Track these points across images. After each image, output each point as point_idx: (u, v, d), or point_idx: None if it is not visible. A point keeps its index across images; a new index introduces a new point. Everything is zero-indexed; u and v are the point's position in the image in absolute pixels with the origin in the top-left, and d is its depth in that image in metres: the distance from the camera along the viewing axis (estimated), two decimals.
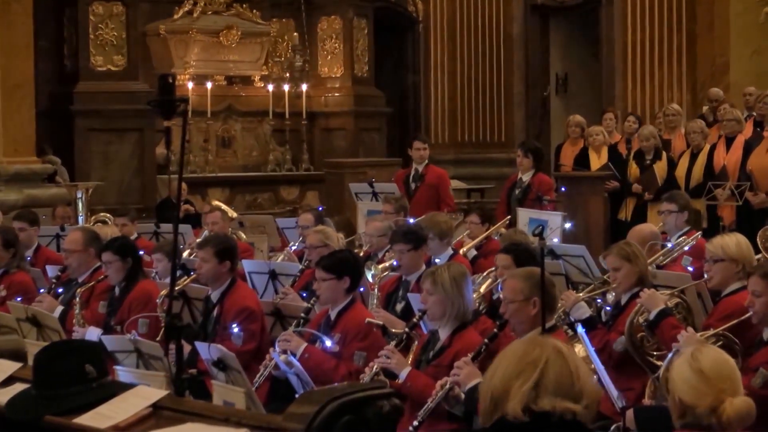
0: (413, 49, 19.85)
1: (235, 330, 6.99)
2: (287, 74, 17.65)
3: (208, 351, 6.07)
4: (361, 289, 7.34)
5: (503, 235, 8.85)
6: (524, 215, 10.59)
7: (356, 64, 18.17)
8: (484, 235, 10.12)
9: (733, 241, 6.82)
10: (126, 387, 4.21)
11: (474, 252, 9.96)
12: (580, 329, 5.87)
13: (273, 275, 9.01)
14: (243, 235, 11.32)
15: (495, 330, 5.96)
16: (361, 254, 9.53)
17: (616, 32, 18.07)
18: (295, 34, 17.82)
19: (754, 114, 13.39)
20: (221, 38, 17.25)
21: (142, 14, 16.82)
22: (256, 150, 17.63)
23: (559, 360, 3.58)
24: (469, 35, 19.56)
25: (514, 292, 5.93)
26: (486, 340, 5.90)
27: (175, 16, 17.20)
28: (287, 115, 17.34)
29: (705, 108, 15.08)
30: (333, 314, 6.87)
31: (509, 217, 10.84)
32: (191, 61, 17.07)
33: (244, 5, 17.56)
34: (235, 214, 11.98)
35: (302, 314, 6.94)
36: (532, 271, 5.98)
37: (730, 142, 12.40)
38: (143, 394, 4.14)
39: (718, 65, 17.30)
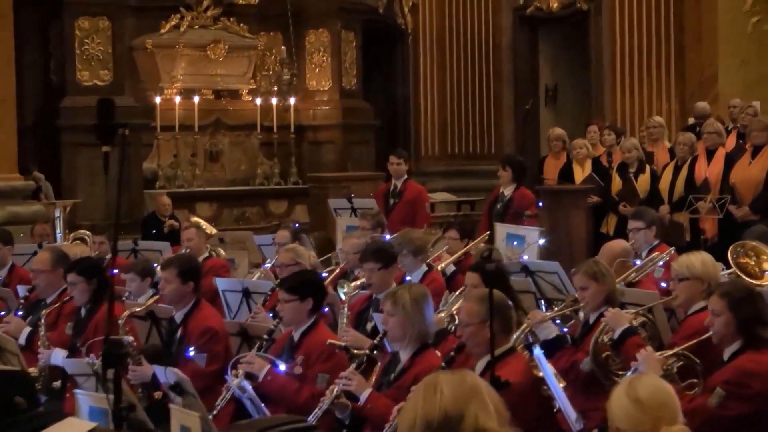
0: (402, 62, 19.82)
1: (192, 353, 6.92)
2: (275, 88, 17.60)
3: (164, 374, 6.01)
4: (325, 309, 7.28)
5: (475, 253, 8.77)
6: (502, 230, 10.54)
7: (344, 77, 18.13)
8: (463, 250, 10.05)
9: (698, 260, 6.77)
10: (57, 418, 4.14)
11: (453, 267, 9.90)
12: (536, 351, 5.80)
13: (246, 294, 8.95)
14: (222, 252, 11.25)
15: (452, 353, 5.89)
16: (337, 271, 9.50)
17: (604, 43, 18.06)
18: (283, 47, 17.76)
19: (738, 126, 13.32)
20: (208, 52, 17.20)
21: (128, 29, 16.77)
22: (244, 164, 17.57)
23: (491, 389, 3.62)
24: (458, 47, 19.55)
25: (470, 314, 5.87)
26: (443, 363, 5.84)
27: (162, 31, 17.16)
28: (275, 129, 17.27)
29: (691, 120, 15.01)
30: (296, 336, 6.80)
31: (488, 232, 10.78)
32: (178, 75, 17.02)
33: (232, 19, 17.52)
34: (214, 231, 11.92)
35: (265, 336, 6.87)
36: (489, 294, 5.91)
37: (711, 154, 12.33)
38: (74, 426, 4.07)
39: (706, 76, 17.26)
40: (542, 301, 8.65)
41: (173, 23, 17.21)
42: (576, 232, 12.11)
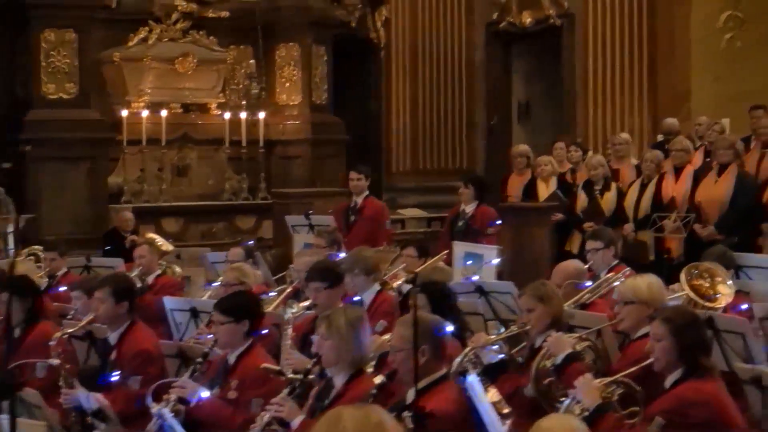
0: (374, 76, 19.67)
1: (114, 378, 6.71)
2: (244, 102, 17.42)
3: (87, 400, 5.81)
4: (264, 331, 7.08)
5: (420, 274, 8.56)
6: (460, 249, 10.36)
7: (314, 91, 17.95)
8: (421, 268, 9.87)
9: (644, 283, 6.60)
10: None
11: (409, 287, 9.70)
12: (470, 379, 5.60)
13: (194, 313, 8.75)
14: (178, 269, 11.08)
15: (383, 379, 5.69)
16: (289, 290, 9.30)
17: (577, 59, 17.91)
18: (252, 61, 17.59)
19: (705, 143, 13.17)
20: (177, 65, 17.04)
21: (96, 41, 16.60)
22: (212, 178, 17.38)
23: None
24: (430, 62, 19.41)
25: (402, 340, 5.67)
26: (374, 391, 5.64)
27: (130, 44, 17.01)
28: (244, 143, 17.10)
29: (660, 137, 14.85)
30: (231, 359, 6.61)
31: (447, 251, 10.60)
32: (146, 88, 16.86)
33: (201, 32, 17.35)
34: (170, 247, 11.73)
35: (198, 360, 6.66)
36: (422, 318, 5.72)
37: (679, 172, 12.18)
38: None
39: (679, 92, 17.11)
40: (498, 322, 8.51)
41: (141, 36, 17.08)
42: (539, 250, 11.97)
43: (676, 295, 7.64)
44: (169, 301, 8.92)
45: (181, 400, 6.35)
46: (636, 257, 12.05)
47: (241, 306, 6.68)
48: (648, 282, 6.60)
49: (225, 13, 17.48)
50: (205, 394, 6.23)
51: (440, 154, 19.44)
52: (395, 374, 5.68)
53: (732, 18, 16.96)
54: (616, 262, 9.09)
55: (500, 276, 10.96)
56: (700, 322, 5.72)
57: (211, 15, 17.44)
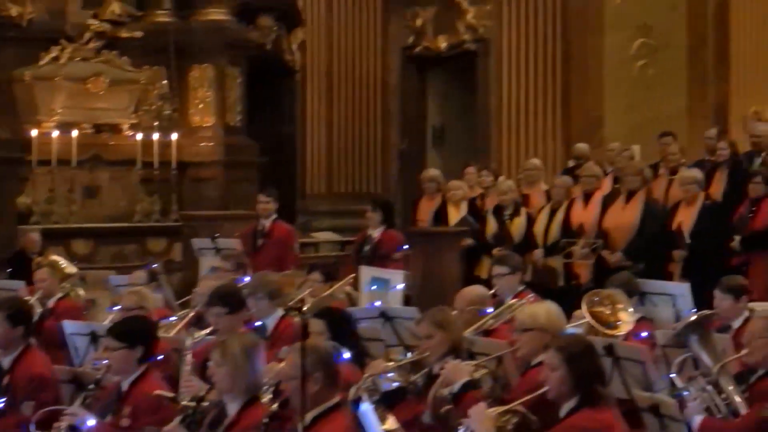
0: (289, 99, 19.55)
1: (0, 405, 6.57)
2: (156, 123, 17.23)
3: None
4: (160, 357, 6.96)
5: (313, 303, 8.47)
6: (367, 273, 10.30)
7: (228, 113, 17.78)
8: (327, 293, 9.81)
9: (543, 310, 6.58)
10: None
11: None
12: (363, 407, 5.53)
13: (94, 337, 8.58)
14: (82, 292, 10.87)
15: (275, 408, 5.59)
16: (191, 314, 9.18)
17: (491, 84, 18.01)
18: (164, 81, 17.41)
19: (614, 169, 13.24)
20: (89, 85, 16.78)
21: (6, 60, 16.33)
22: (123, 200, 17.12)
23: None
24: (346, 85, 19.40)
25: (295, 367, 5.58)
26: (266, 420, 5.55)
27: (41, 62, 16.71)
28: (156, 165, 16.89)
29: (570, 162, 14.92)
30: (124, 386, 6.48)
31: (353, 275, 10.54)
32: (57, 108, 16.58)
33: (114, 52, 17.12)
34: (74, 270, 11.50)
35: (90, 387, 6.52)
36: (314, 345, 5.65)
37: (588, 198, 12.22)
38: None
39: (592, 119, 17.25)
40: (403, 349, 8.45)
41: (53, 55, 16.77)
42: (449, 275, 11.93)
43: (579, 322, 7.64)
44: (68, 326, 8.74)
45: (72, 428, 6.22)
46: (545, 283, 12.09)
47: (135, 331, 6.57)
48: (546, 309, 6.58)
49: (138, 34, 17.26)
50: (91, 422, 6.10)
51: (355, 178, 19.42)
52: (288, 403, 5.59)
53: (644, 46, 17.18)
54: (522, 287, 9.07)
55: (408, 301, 10.94)
56: (594, 350, 5.69)
57: (124, 35, 17.22)
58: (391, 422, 6.40)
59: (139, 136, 16.76)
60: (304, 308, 5.99)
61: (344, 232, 18.18)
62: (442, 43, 18.68)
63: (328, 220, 18.79)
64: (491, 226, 12.52)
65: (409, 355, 6.87)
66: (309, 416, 5.46)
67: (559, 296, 10.94)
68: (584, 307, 7.46)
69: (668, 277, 11.22)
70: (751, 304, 8.58)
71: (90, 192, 16.91)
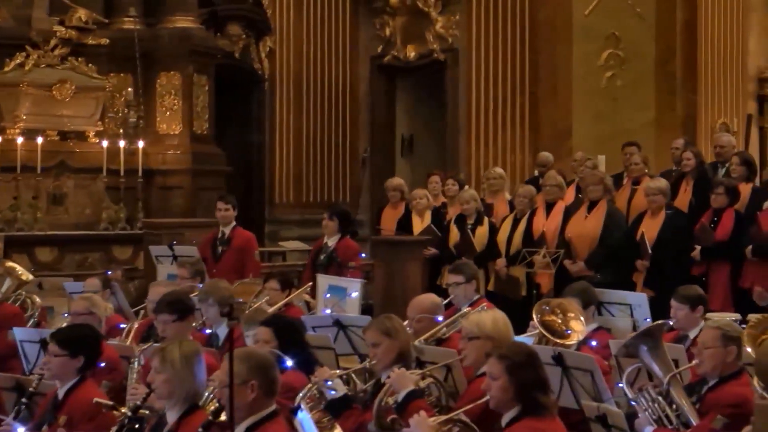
0: (258, 107, 19.50)
1: None
2: (121, 130, 17.12)
3: None
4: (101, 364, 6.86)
5: (246, 314, 8.34)
6: (324, 282, 10.23)
7: (196, 121, 17.70)
8: (283, 302, 9.74)
9: (489, 318, 6.51)
10: None
11: None
12: (300, 415, 5.44)
13: (44, 344, 8.48)
14: (38, 299, 10.76)
15: (208, 417, 5.49)
16: (143, 322, 9.10)
17: (460, 93, 17.98)
18: (130, 89, 17.30)
19: (577, 179, 13.20)
20: (54, 92, 16.70)
21: None
22: (89, 208, 17.02)
23: None
24: (315, 94, 19.34)
25: (227, 374, 5.47)
26: (200, 429, 5.44)
27: (6, 69, 16.62)
28: (122, 172, 16.79)
29: (536, 171, 14.88)
30: (61, 393, 6.38)
31: (311, 283, 10.47)
32: (22, 115, 16.49)
33: (80, 59, 17.02)
34: (30, 277, 11.39)
35: (24, 399, 6.40)
36: (251, 352, 5.56)
37: (551, 207, 12.17)
38: None
39: (560, 129, 17.21)
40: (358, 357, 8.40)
41: (18, 61, 16.68)
42: (411, 285, 11.83)
43: (534, 332, 7.57)
44: (19, 332, 8.67)
45: None
46: (508, 292, 12.04)
47: (79, 340, 6.47)
48: (493, 317, 6.51)
49: (105, 41, 17.16)
50: (21, 430, 5.99)
51: (323, 187, 19.35)
52: (221, 411, 5.49)
53: (613, 56, 17.15)
54: (477, 296, 9.02)
55: (369, 309, 10.88)
56: (537, 359, 5.59)
57: (90, 42, 17.11)
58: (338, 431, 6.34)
59: (105, 144, 16.66)
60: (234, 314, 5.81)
61: (313, 241, 18.02)
62: (411, 53, 18.66)
63: (297, 229, 18.71)
64: (454, 235, 12.45)
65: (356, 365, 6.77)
66: (245, 425, 5.36)
67: (522, 306, 10.96)
68: (535, 316, 7.39)
69: (632, 287, 11.17)
70: (709, 315, 8.51)
71: (55, 199, 16.80)
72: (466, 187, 13.84)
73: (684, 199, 12.31)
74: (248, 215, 18.62)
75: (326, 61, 19.28)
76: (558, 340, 7.23)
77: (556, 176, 12.52)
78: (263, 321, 7.23)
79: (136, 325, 8.84)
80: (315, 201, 19.30)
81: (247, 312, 8.56)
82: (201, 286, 9.49)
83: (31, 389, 6.46)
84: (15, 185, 16.23)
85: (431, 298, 8.25)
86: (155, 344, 7.83)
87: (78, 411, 6.26)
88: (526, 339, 7.39)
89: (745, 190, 11.65)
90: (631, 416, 6.75)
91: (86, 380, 6.46)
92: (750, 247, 10.91)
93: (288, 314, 9.48)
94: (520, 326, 7.79)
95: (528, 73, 17.50)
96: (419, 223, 12.90)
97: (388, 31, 18.93)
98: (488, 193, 13.39)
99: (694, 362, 6.81)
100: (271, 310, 9.58)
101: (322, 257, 11.31)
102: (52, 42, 16.83)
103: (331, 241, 11.36)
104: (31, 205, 16.39)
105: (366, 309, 10.85)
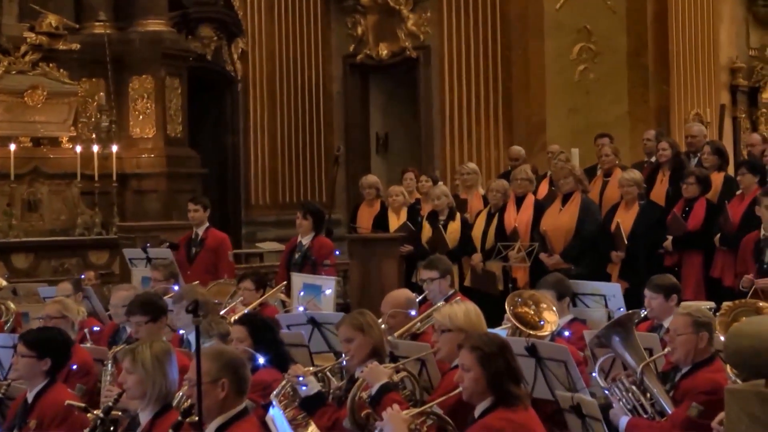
0: (232, 109, 19.44)
1: None
2: (94, 135, 17.06)
3: None
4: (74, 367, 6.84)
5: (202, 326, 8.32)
6: (298, 280, 10.22)
7: (169, 124, 17.65)
8: (258, 301, 9.73)
9: (461, 310, 6.50)
10: None
11: None
12: (272, 411, 5.42)
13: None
14: (12, 305, 10.74)
15: (179, 418, 5.47)
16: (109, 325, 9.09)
17: (434, 91, 17.98)
18: (102, 93, 17.25)
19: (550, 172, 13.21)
20: (26, 98, 16.61)
21: None
22: (64, 213, 16.95)
23: None
24: (288, 94, 19.31)
25: (201, 372, 5.46)
26: (171, 430, 5.42)
27: None
28: (96, 177, 16.72)
29: (509, 165, 14.88)
30: (30, 397, 6.35)
31: (285, 282, 10.45)
32: None
33: (51, 64, 16.95)
34: (4, 283, 11.37)
35: None
36: (222, 350, 5.54)
37: (521, 201, 12.17)
38: None
39: (534, 124, 17.23)
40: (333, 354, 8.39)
41: None
42: (387, 282, 11.85)
43: (507, 325, 7.58)
44: None
45: None
46: (486, 287, 12.03)
47: (46, 342, 6.44)
48: (465, 309, 6.50)
49: (76, 46, 17.09)
50: None
51: (299, 187, 19.34)
52: (191, 410, 5.46)
53: (585, 50, 17.18)
54: (452, 291, 9.00)
55: (347, 309, 10.87)
56: (509, 350, 5.58)
57: (61, 47, 17.04)
58: (313, 429, 6.31)
59: (79, 149, 16.59)
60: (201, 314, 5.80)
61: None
62: (384, 51, 18.66)
63: (274, 230, 18.68)
64: (427, 232, 12.44)
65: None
66: (215, 424, 5.34)
67: (500, 300, 10.95)
68: (508, 308, 7.39)
69: (608, 278, 11.18)
70: (684, 304, 8.53)
71: (30, 205, 16.72)
72: (440, 183, 13.82)
73: (661, 189, 12.32)
74: (224, 217, 18.62)
75: (299, 61, 19.26)
76: (531, 332, 7.23)
77: (527, 170, 12.51)
78: (237, 320, 7.22)
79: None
80: (291, 201, 19.26)
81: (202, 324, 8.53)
82: (175, 287, 9.46)
83: (0, 394, 6.44)
84: None
85: (405, 293, 8.25)
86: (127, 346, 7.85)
87: (48, 414, 6.23)
88: (500, 332, 7.38)
89: (717, 179, 11.68)
90: (607, 407, 6.75)
91: (56, 383, 6.44)
92: (718, 236, 10.95)
93: (263, 314, 9.50)
94: (498, 321, 7.80)
95: (501, 69, 17.52)
96: (396, 221, 12.89)
97: (360, 30, 18.93)
98: (462, 189, 13.38)
99: (666, 350, 6.82)
100: (246, 310, 9.60)
101: (296, 256, 11.29)
102: (23, 48, 16.74)
103: (306, 240, 11.34)
104: (5, 212, 16.31)
105: (344, 308, 10.85)
